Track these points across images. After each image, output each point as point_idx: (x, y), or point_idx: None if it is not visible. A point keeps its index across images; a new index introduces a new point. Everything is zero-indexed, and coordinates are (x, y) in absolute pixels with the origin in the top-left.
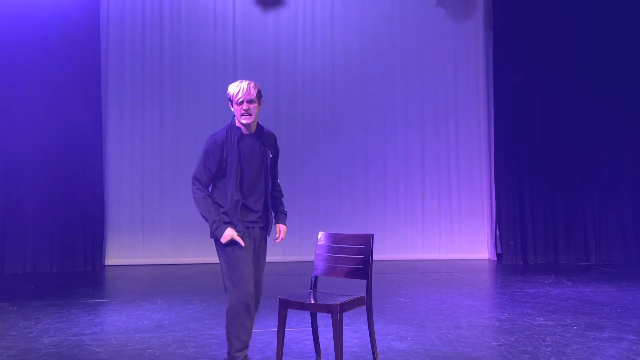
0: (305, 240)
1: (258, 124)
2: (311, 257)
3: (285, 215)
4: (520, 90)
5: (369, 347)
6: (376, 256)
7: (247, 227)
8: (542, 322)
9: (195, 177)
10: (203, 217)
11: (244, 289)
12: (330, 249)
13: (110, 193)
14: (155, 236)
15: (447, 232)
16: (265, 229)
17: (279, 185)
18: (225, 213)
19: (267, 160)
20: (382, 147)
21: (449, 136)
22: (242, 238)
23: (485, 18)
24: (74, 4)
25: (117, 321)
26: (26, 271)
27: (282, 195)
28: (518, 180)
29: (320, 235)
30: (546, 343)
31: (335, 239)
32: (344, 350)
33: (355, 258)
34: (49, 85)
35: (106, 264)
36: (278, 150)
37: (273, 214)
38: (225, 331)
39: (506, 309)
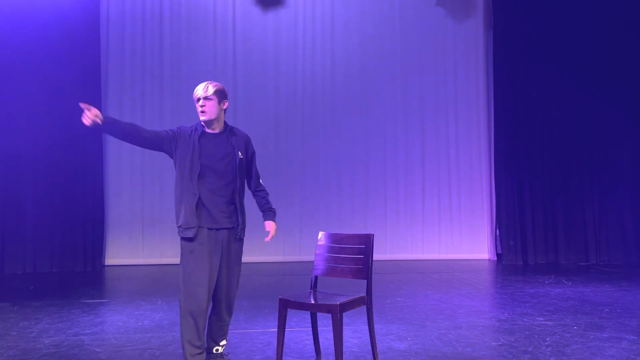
0: (305, 240)
1: (228, 125)
2: (311, 257)
3: (274, 212)
4: (520, 90)
5: (369, 347)
6: (376, 256)
7: (210, 229)
8: (542, 322)
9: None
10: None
11: (194, 297)
12: (330, 249)
13: (110, 193)
14: (155, 236)
15: (447, 232)
16: (235, 231)
17: (263, 185)
18: (183, 214)
19: (236, 161)
20: (382, 147)
21: (449, 136)
22: (205, 241)
23: (485, 18)
24: (74, 4)
25: (117, 321)
26: (26, 271)
27: (267, 194)
28: (518, 180)
29: (320, 235)
30: (546, 343)
31: (335, 239)
32: (344, 350)
33: (355, 258)
34: (49, 85)
35: (106, 264)
36: (253, 152)
37: (262, 213)
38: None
39: (506, 309)
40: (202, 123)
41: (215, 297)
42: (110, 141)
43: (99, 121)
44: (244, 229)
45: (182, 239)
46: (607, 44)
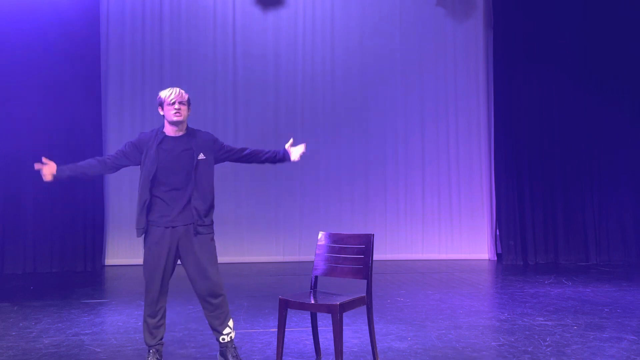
0: (305, 240)
1: (189, 128)
2: (311, 257)
3: (284, 148)
4: (520, 90)
5: (369, 347)
6: (376, 256)
7: (167, 227)
8: (542, 322)
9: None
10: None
11: (148, 287)
12: (330, 249)
13: (110, 193)
14: None
15: (447, 232)
16: (193, 227)
17: (249, 149)
18: (137, 211)
19: (193, 161)
20: (382, 147)
21: (449, 136)
22: (158, 239)
23: (485, 18)
24: (74, 4)
25: (117, 321)
26: (26, 271)
27: (263, 150)
28: (518, 180)
29: (320, 235)
30: (546, 343)
31: (335, 239)
32: (344, 350)
33: (355, 258)
34: (49, 85)
35: (106, 264)
36: (220, 147)
37: (281, 152)
38: None
39: (506, 309)
40: (166, 127)
41: (196, 291)
42: (110, 141)
43: (55, 174)
44: (204, 225)
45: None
46: (607, 44)
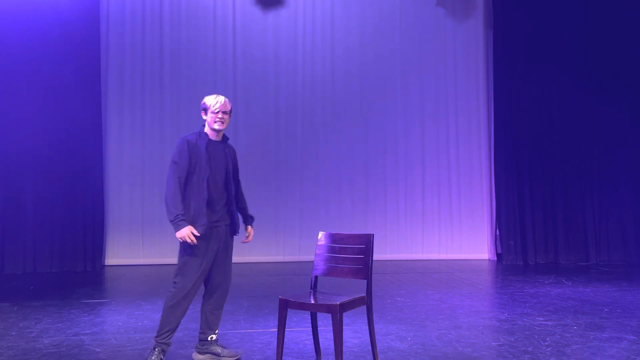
0: (305, 240)
1: (224, 135)
2: (311, 257)
3: (253, 219)
4: (520, 90)
5: (369, 347)
6: (376, 256)
7: (212, 227)
8: (542, 322)
9: (173, 161)
10: (167, 204)
11: (189, 285)
12: (330, 249)
13: (110, 193)
14: (155, 236)
15: (447, 232)
16: (231, 227)
17: (243, 195)
18: (193, 210)
19: (229, 167)
20: (382, 147)
21: (449, 136)
22: (207, 237)
23: (485, 18)
24: (74, 4)
25: (117, 321)
26: (26, 271)
27: (246, 202)
28: (518, 180)
29: (320, 235)
30: (546, 343)
31: (335, 239)
32: (344, 350)
33: (355, 258)
34: (49, 85)
35: (106, 264)
36: (237, 163)
37: (241, 218)
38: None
39: (506, 309)
40: (208, 131)
41: (211, 287)
42: (110, 141)
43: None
44: (239, 226)
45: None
46: (607, 44)
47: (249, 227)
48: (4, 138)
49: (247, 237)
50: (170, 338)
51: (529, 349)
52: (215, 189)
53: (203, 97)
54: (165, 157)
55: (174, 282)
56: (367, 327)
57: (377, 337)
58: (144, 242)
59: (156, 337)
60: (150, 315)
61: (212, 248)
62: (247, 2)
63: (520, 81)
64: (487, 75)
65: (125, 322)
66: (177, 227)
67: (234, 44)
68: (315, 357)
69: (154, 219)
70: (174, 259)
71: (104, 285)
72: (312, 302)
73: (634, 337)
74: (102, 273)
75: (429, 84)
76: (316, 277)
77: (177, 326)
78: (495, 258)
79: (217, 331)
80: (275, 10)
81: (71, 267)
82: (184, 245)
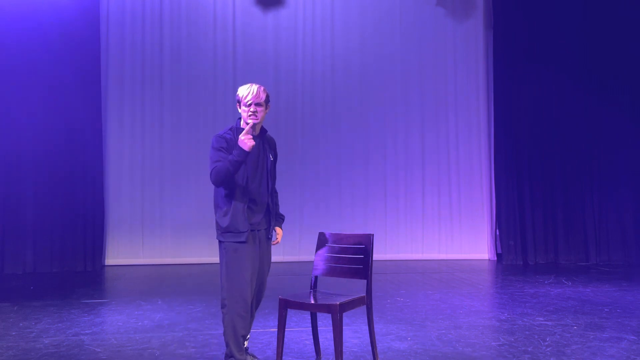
0: (305, 240)
1: (262, 127)
2: (311, 257)
3: (283, 219)
4: (520, 91)
5: (369, 347)
6: (376, 256)
7: (253, 230)
8: (542, 322)
9: (213, 160)
10: (219, 173)
11: (240, 297)
12: (330, 249)
13: (110, 193)
14: (155, 236)
15: (447, 232)
16: (268, 231)
17: (276, 191)
18: (231, 215)
19: (268, 163)
20: (382, 147)
21: (449, 136)
22: (248, 243)
23: (485, 18)
24: (74, 4)
25: (117, 321)
26: (26, 271)
27: (278, 200)
28: (518, 180)
29: (320, 235)
30: (546, 343)
31: (335, 239)
32: (344, 350)
33: (355, 258)
34: (49, 85)
35: (106, 264)
36: (277, 155)
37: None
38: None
39: (506, 309)
40: (244, 126)
41: (253, 294)
42: (110, 141)
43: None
44: (273, 229)
45: (228, 241)
46: (607, 44)
47: (278, 227)
48: (4, 138)
49: (276, 238)
50: (244, 351)
51: (529, 349)
52: (254, 191)
53: (203, 97)
54: (165, 157)
55: (223, 305)
56: (367, 327)
57: (377, 337)
58: (144, 242)
59: (231, 357)
60: (150, 315)
61: (256, 251)
62: (247, 2)
63: (520, 81)
64: (487, 76)
65: (125, 322)
66: (242, 147)
67: (234, 44)
68: (315, 357)
69: (154, 219)
70: (174, 259)
71: (104, 285)
72: (312, 302)
73: (634, 337)
74: (102, 273)
75: (429, 84)
76: (316, 277)
77: (243, 342)
78: (495, 258)
79: (248, 337)
80: (275, 10)
81: (71, 267)
82: (228, 257)
